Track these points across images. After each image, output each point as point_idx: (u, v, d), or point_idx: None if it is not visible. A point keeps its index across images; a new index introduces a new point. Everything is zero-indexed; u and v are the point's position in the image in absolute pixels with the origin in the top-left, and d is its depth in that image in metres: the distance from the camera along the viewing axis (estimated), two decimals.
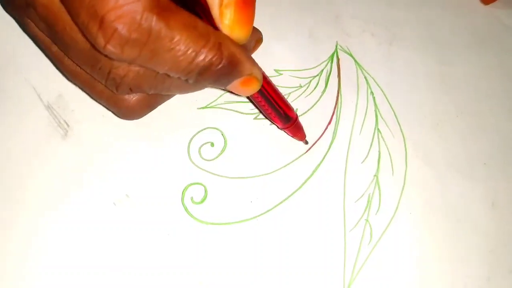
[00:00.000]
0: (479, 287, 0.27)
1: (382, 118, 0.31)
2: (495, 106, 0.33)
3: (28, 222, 0.24)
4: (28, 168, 0.26)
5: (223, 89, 0.29)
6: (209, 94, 0.29)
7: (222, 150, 0.28)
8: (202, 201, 0.27)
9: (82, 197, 0.25)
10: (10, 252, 0.24)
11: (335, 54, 0.33)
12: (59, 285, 0.24)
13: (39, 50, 0.28)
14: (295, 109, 0.28)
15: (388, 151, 0.30)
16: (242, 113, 0.29)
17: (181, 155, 0.27)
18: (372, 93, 0.32)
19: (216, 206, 0.26)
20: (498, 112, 0.33)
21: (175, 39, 0.19)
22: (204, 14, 0.21)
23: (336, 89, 0.31)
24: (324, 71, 0.32)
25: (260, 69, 0.23)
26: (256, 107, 0.29)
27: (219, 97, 0.29)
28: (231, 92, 0.26)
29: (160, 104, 0.26)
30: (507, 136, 0.32)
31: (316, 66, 0.32)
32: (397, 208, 0.28)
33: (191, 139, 0.28)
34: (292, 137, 0.29)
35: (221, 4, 0.20)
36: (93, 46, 0.19)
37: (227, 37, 0.20)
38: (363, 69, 0.33)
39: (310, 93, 0.31)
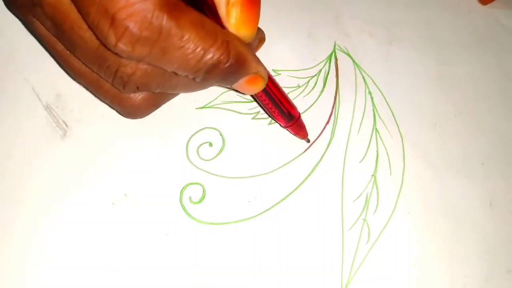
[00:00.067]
0: (477, 286, 0.27)
1: (380, 118, 0.31)
2: (494, 106, 0.33)
3: (27, 222, 0.24)
4: (26, 168, 0.26)
5: (228, 88, 0.29)
6: (207, 94, 0.29)
7: (220, 150, 0.28)
8: (200, 200, 0.27)
9: (80, 197, 0.25)
10: (10, 252, 0.24)
11: (333, 54, 0.33)
12: (59, 284, 0.24)
13: (39, 50, 0.28)
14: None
15: (386, 151, 0.30)
16: (240, 113, 0.29)
17: (179, 155, 0.28)
18: (370, 93, 0.32)
19: (214, 206, 0.27)
20: (497, 112, 0.33)
21: (185, 38, 0.19)
22: (211, 13, 0.21)
23: (334, 89, 0.31)
24: (322, 71, 0.32)
25: (265, 67, 0.23)
26: (260, 105, 0.29)
27: (217, 97, 0.29)
28: (236, 91, 0.26)
29: (164, 103, 0.26)
30: (506, 136, 0.32)
31: (314, 66, 0.32)
32: (395, 207, 0.28)
33: (190, 139, 0.28)
34: (294, 135, 0.29)
35: (227, 3, 0.20)
36: (103, 44, 0.19)
37: (234, 36, 0.21)
38: (362, 69, 0.33)
39: (308, 93, 0.31)
